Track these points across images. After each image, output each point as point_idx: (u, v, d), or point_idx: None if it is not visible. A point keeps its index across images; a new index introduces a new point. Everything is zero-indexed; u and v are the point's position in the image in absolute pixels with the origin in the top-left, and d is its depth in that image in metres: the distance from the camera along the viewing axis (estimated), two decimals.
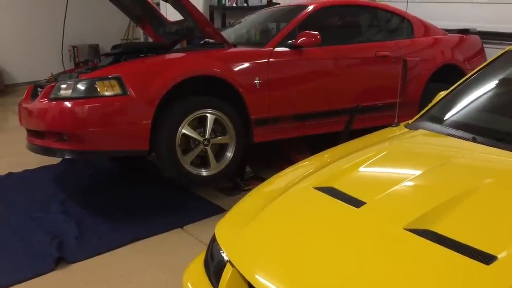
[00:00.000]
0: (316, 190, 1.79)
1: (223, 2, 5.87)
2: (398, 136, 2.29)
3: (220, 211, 3.45)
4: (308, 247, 1.51)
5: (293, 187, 1.86)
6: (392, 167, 1.99)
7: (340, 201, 1.67)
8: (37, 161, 4.35)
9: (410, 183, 1.74)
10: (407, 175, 1.83)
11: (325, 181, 1.84)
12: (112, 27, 8.67)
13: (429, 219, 1.47)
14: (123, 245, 3.03)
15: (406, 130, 2.35)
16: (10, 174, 4.24)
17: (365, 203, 1.62)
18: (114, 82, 3.11)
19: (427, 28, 4.60)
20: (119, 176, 4.26)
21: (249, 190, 3.84)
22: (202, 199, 3.64)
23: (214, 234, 1.85)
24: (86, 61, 8.38)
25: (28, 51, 8.15)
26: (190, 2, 3.51)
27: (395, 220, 1.49)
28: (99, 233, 3.15)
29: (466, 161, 1.93)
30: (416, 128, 2.33)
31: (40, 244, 3.02)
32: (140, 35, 8.84)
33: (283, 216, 1.73)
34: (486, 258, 1.28)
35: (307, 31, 3.69)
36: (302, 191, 1.83)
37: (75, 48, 8.30)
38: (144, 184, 3.96)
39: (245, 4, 6.00)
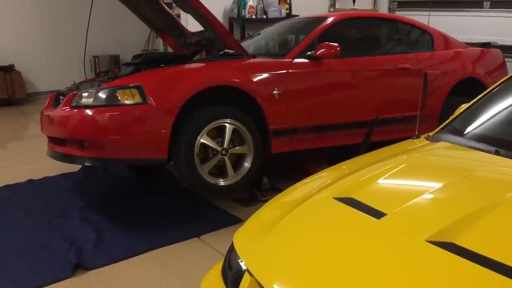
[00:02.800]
0: (335, 201, 1.77)
1: (243, 14, 5.92)
2: (419, 148, 2.26)
3: (237, 221, 3.44)
4: (328, 257, 1.50)
5: (312, 197, 1.85)
6: (412, 179, 1.96)
7: (360, 212, 1.66)
8: (57, 168, 4.40)
9: (432, 196, 1.72)
10: (428, 187, 1.80)
11: (344, 191, 1.83)
12: (133, 38, 8.78)
13: (452, 231, 1.44)
14: (140, 253, 3.03)
15: (427, 142, 2.33)
16: (30, 181, 4.29)
17: (385, 214, 1.60)
18: (134, 91, 3.15)
19: (447, 41, 4.57)
20: (137, 185, 4.28)
21: (266, 200, 3.82)
22: (219, 209, 3.64)
23: (232, 243, 1.84)
24: (107, 71, 8.50)
25: (50, 60, 8.30)
26: (211, 13, 3.55)
27: (417, 232, 1.47)
28: (117, 241, 3.17)
29: (489, 174, 1.90)
30: (437, 141, 2.30)
31: (58, 250, 3.05)
32: (159, 46, 8.94)
33: (302, 226, 1.72)
34: None
35: (327, 42, 3.69)
36: (321, 201, 1.82)
37: (96, 58, 8.43)
38: (161, 193, 3.97)
39: (265, 16, 6.04)
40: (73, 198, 3.90)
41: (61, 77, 8.29)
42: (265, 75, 3.53)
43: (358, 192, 1.81)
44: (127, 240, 3.18)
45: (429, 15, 3.03)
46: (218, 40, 3.79)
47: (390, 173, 1.93)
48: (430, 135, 2.44)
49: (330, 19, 4.04)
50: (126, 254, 3.01)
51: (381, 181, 1.89)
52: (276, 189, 3.96)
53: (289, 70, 3.60)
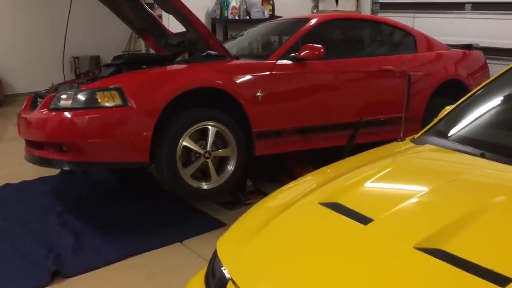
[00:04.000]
0: (321, 206, 1.73)
1: (226, 15, 5.85)
2: (404, 151, 2.24)
3: (220, 225, 3.39)
4: (313, 265, 1.46)
5: (297, 202, 1.81)
6: (399, 183, 1.93)
7: (346, 218, 1.62)
8: (35, 172, 4.29)
9: (419, 200, 1.69)
10: (415, 191, 1.78)
11: (330, 196, 1.79)
12: (114, 39, 8.65)
13: (440, 238, 1.42)
14: (121, 260, 2.96)
15: (412, 145, 2.30)
16: (7, 185, 4.18)
17: (372, 220, 1.56)
18: (114, 93, 3.07)
19: (430, 43, 4.58)
20: (118, 189, 4.20)
21: (250, 204, 3.81)
22: (202, 213, 3.58)
23: (215, 250, 1.79)
24: (87, 72, 8.36)
25: (29, 61, 8.13)
26: (193, 14, 3.49)
27: (405, 238, 1.44)
28: (97, 247, 3.09)
29: (475, 177, 1.88)
30: (422, 143, 2.28)
31: (36, 256, 2.96)
32: (141, 47, 8.83)
33: (287, 233, 1.67)
34: (501, 280, 1.22)
35: (311, 44, 3.66)
36: (307, 206, 1.78)
37: (76, 59, 8.28)
38: (143, 197, 3.90)
39: (248, 17, 5.98)
40: (51, 202, 3.81)
41: (40, 78, 8.12)
42: (248, 77, 3.48)
43: (343, 196, 1.77)
44: (107, 245, 3.10)
45: (414, 17, 3.03)
46: (200, 41, 3.73)
47: (376, 177, 1.90)
48: (415, 137, 2.42)
49: (313, 21, 4.01)
50: (107, 260, 2.94)
51: (367, 185, 1.86)
52: (260, 192, 3.92)
53: (273, 72, 3.56)
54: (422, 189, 1.79)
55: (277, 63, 3.62)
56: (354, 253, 1.46)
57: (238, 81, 3.42)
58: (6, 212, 3.62)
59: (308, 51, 3.63)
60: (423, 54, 4.40)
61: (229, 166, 3.43)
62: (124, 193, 4.03)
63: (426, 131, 2.45)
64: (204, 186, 3.34)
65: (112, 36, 8.67)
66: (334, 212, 1.68)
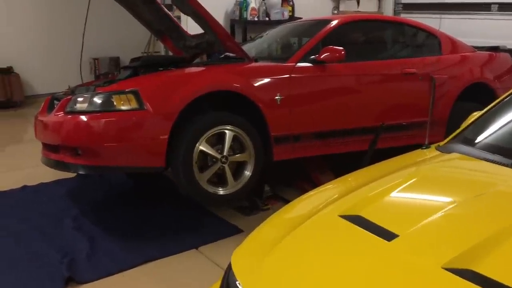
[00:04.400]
0: (341, 219, 1.64)
1: (245, 16, 5.78)
2: (430, 160, 2.13)
3: (236, 231, 3.31)
4: (333, 284, 1.37)
5: (316, 214, 1.72)
6: (425, 194, 1.82)
7: (369, 232, 1.52)
8: (52, 174, 4.27)
9: (447, 215, 1.58)
10: (443, 204, 1.67)
11: (351, 208, 1.69)
12: (133, 40, 8.66)
13: (470, 257, 1.31)
14: (135, 266, 2.90)
15: (438, 153, 2.19)
16: (25, 187, 4.17)
17: (397, 235, 1.46)
18: (131, 96, 3.02)
19: (455, 45, 4.43)
20: (134, 192, 4.15)
21: (268, 210, 3.74)
22: (218, 219, 3.51)
23: (230, 263, 1.71)
24: (106, 73, 8.37)
25: (49, 62, 8.18)
26: (211, 16, 3.42)
27: (432, 257, 1.34)
28: (111, 253, 3.04)
29: (507, 189, 1.76)
30: (449, 151, 2.17)
31: (50, 261, 2.92)
32: (161, 48, 8.82)
33: (306, 247, 1.58)
34: None
35: (331, 46, 3.56)
36: (326, 219, 1.69)
37: (96, 61, 8.31)
38: (159, 201, 3.84)
39: (267, 18, 5.91)
40: (67, 205, 3.78)
41: (60, 79, 8.16)
42: (267, 80, 3.39)
43: (365, 209, 1.68)
44: (122, 251, 3.05)
45: (440, 18, 2.91)
46: (218, 43, 3.66)
47: (400, 188, 1.80)
48: (440, 145, 2.31)
49: (334, 22, 3.90)
50: (121, 267, 2.88)
51: (390, 197, 1.76)
52: (278, 198, 3.84)
53: (292, 75, 3.47)
54: (450, 202, 1.68)
55: (296, 65, 3.53)
56: (377, 271, 1.36)
57: (256, 84, 3.34)
58: (22, 215, 3.60)
59: (328, 53, 3.53)
60: (448, 57, 4.26)
61: (246, 172, 3.35)
62: (140, 197, 3.99)
63: (453, 138, 2.34)
64: (221, 191, 3.26)
65: (131, 37, 8.68)
66: (355, 226, 1.58)
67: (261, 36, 4.64)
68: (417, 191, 1.83)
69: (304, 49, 3.67)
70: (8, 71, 7.56)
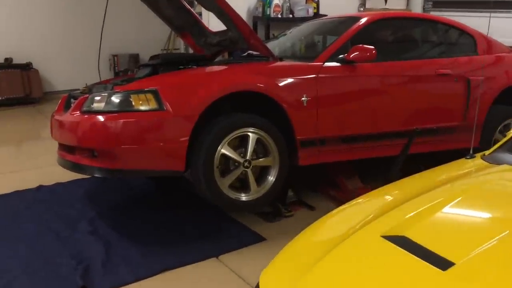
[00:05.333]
0: (385, 240, 1.46)
1: (268, 13, 5.59)
2: (477, 172, 1.93)
3: (259, 239, 3.15)
4: None
5: (355, 233, 1.53)
6: (477, 213, 1.63)
7: (418, 258, 1.34)
8: (69, 174, 4.12)
9: (506, 239, 1.39)
10: (500, 226, 1.48)
11: (394, 228, 1.51)
12: (153, 37, 8.56)
13: None
14: (153, 275, 2.75)
15: (485, 163, 1.99)
16: (40, 187, 4.06)
17: (452, 264, 1.28)
18: (150, 95, 2.86)
19: (490, 45, 4.18)
20: (153, 194, 4.01)
21: (291, 216, 3.56)
22: (240, 225, 3.34)
23: (257, 284, 1.54)
24: (126, 70, 8.28)
25: (68, 59, 8.13)
26: (235, 12, 3.25)
27: None
28: (128, 260, 2.89)
29: None
30: (496, 162, 1.96)
31: (64, 268, 2.79)
32: (180, 45, 8.70)
33: (346, 271, 1.41)
34: None
35: (361, 45, 3.36)
36: (368, 239, 1.50)
37: (115, 57, 8.21)
38: (178, 205, 3.69)
39: (291, 16, 5.71)
40: (84, 207, 3.65)
41: (79, 76, 8.10)
42: (293, 80, 3.21)
43: (411, 229, 1.49)
44: (139, 259, 2.90)
45: (490, 17, 2.68)
46: (242, 40, 3.49)
47: (448, 205, 1.61)
48: (486, 154, 2.11)
49: (363, 20, 3.69)
50: (137, 275, 2.73)
51: (438, 215, 1.57)
52: (302, 203, 3.66)
53: (319, 75, 3.28)
54: (507, 222, 1.48)
55: (324, 65, 3.34)
56: None
57: (281, 85, 3.16)
58: (37, 216, 3.49)
59: (358, 52, 3.33)
60: (484, 57, 4.02)
61: (270, 177, 3.17)
62: (158, 200, 3.84)
63: (500, 147, 2.14)
64: (243, 197, 3.10)
65: (151, 34, 8.58)
66: (402, 250, 1.40)
67: (285, 34, 4.45)
68: (468, 209, 1.63)
69: (332, 48, 3.47)
70: (28, 66, 7.51)
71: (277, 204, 3.48)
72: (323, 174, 3.88)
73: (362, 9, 6.36)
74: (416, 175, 2.02)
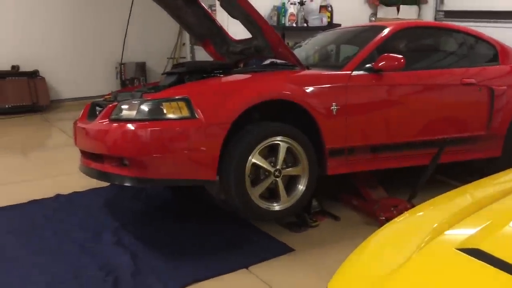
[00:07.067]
0: (461, 253, 1.41)
1: (283, 22, 5.58)
2: None
3: (287, 250, 3.09)
4: None
5: (427, 245, 1.49)
6: None
7: (499, 270, 1.29)
8: (85, 182, 4.08)
9: None
10: None
11: (467, 240, 1.46)
12: (160, 45, 8.54)
13: None
14: (184, 287, 2.69)
15: None
16: (58, 196, 3.98)
17: None
18: (182, 103, 2.82)
19: (510, 54, 4.19)
20: (173, 203, 3.95)
21: (317, 226, 3.51)
22: (267, 236, 3.28)
23: None
24: (132, 78, 8.24)
25: (75, 67, 8.08)
26: (265, 20, 3.23)
27: None
28: (156, 271, 2.83)
29: None
30: None
31: (93, 279, 2.73)
32: (186, 53, 8.68)
33: (425, 286, 1.35)
34: None
35: (389, 54, 3.34)
36: (442, 252, 1.45)
37: (122, 66, 8.16)
38: (199, 215, 3.63)
39: (305, 25, 5.70)
40: (105, 217, 3.58)
41: (86, 84, 8.08)
42: (323, 89, 3.18)
43: (485, 241, 1.44)
44: (168, 270, 2.84)
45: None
46: (268, 49, 3.46)
47: None
48: None
49: (389, 28, 3.68)
50: (168, 287, 2.67)
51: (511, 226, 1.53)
52: (326, 213, 3.61)
53: (349, 84, 3.25)
54: None
55: (352, 74, 3.31)
56: None
57: (312, 93, 3.13)
58: (58, 227, 3.41)
59: (386, 61, 3.31)
60: (506, 67, 4.02)
61: (299, 186, 3.13)
62: (178, 209, 3.78)
63: None
64: (275, 207, 3.05)
65: (157, 43, 8.56)
66: (480, 262, 1.35)
67: (300, 46, 4.41)
68: None
69: (360, 56, 3.45)
70: (34, 74, 7.46)
71: (303, 214, 3.42)
72: (345, 184, 3.84)
73: (373, 18, 6.37)
74: (474, 184, 1.98)
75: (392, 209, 3.40)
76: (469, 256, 1.39)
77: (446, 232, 1.54)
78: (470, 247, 1.43)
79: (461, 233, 1.52)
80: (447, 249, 1.45)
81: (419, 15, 6.19)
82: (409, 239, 1.57)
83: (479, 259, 1.37)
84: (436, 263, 1.43)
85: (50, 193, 4.03)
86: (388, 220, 3.39)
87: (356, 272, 1.54)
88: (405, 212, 1.84)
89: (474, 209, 1.65)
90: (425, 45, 4.08)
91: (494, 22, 5.75)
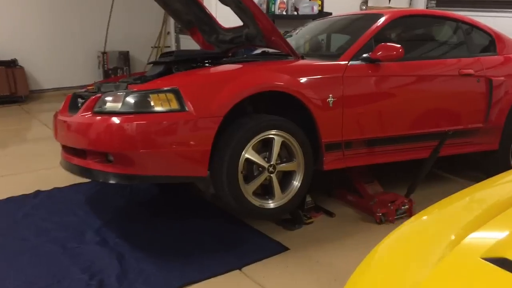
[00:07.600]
0: (487, 263, 1.27)
1: (273, 10, 5.40)
2: None
3: (282, 249, 2.95)
4: None
5: (450, 253, 1.35)
6: None
7: None
8: (66, 177, 3.86)
9: None
10: None
11: (492, 248, 1.33)
12: (143, 34, 8.27)
13: None
14: None
15: None
16: (38, 192, 3.77)
17: None
18: (170, 95, 2.64)
19: (507, 44, 4.08)
20: (158, 200, 3.77)
21: (311, 223, 3.37)
22: (260, 234, 3.13)
23: None
24: (115, 68, 7.98)
25: (55, 56, 7.78)
26: (258, 7, 3.05)
27: None
28: (144, 274, 2.66)
29: None
30: None
31: (76, 283, 2.55)
32: (172, 42, 8.45)
33: None
34: None
35: (386, 43, 3.19)
36: (467, 261, 1.32)
37: (104, 55, 7.89)
38: (189, 212, 3.47)
39: (295, 13, 5.53)
40: (88, 215, 3.39)
41: (67, 73, 7.81)
42: (319, 80, 3.02)
43: (511, 250, 1.31)
44: (156, 272, 2.67)
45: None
46: (260, 37, 3.29)
47: None
48: None
49: (384, 17, 3.52)
50: None
51: None
52: (320, 209, 3.48)
53: (345, 74, 3.10)
54: None
55: (349, 64, 3.16)
56: None
57: (308, 84, 2.97)
58: (39, 225, 3.21)
59: (384, 51, 3.16)
60: (504, 57, 3.90)
61: (294, 182, 2.98)
62: (165, 206, 3.60)
63: None
64: (269, 204, 2.90)
65: (141, 31, 8.30)
66: (509, 273, 1.22)
67: (291, 35, 4.23)
68: None
69: (356, 46, 3.29)
70: (13, 63, 7.17)
71: (297, 211, 3.28)
72: (339, 179, 3.71)
73: (364, 7, 6.23)
74: (489, 181, 1.84)
75: (389, 204, 3.28)
76: (497, 267, 1.26)
77: (466, 240, 1.40)
78: (496, 256, 1.30)
79: (485, 241, 1.38)
80: (472, 258, 1.32)
81: (410, 4, 6.06)
82: (427, 249, 1.43)
83: (507, 270, 1.24)
84: (462, 273, 1.29)
85: (29, 189, 3.82)
86: (385, 216, 3.28)
87: (372, 279, 1.39)
88: (412, 217, 1.69)
89: (491, 213, 1.52)
90: (422, 34, 3.94)
91: (484, 11, 5.65)
